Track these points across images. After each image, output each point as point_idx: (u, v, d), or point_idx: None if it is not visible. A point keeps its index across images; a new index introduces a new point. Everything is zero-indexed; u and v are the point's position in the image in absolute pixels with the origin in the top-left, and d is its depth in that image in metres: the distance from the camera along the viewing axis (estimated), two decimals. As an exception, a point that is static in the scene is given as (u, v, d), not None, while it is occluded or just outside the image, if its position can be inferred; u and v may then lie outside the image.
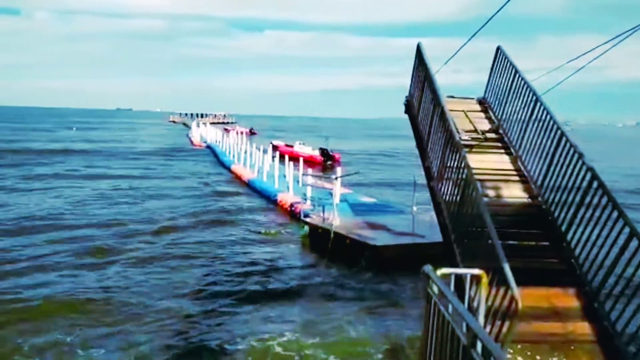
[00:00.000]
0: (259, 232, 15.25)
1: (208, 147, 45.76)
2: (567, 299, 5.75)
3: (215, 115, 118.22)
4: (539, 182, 7.44)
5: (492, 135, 8.78)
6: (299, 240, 13.99)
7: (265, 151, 25.92)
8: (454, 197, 6.80)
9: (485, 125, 9.11)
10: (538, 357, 5.79)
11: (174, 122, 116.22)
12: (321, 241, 12.15)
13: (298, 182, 15.38)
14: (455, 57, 7.95)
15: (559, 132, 7.09)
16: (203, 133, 55.24)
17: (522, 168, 7.96)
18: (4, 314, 8.77)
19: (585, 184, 6.23)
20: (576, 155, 6.55)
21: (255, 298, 9.87)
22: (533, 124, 7.83)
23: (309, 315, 8.98)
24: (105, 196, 20.74)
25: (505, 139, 8.65)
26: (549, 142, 7.28)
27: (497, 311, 4.69)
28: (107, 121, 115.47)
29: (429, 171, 8.29)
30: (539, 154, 7.52)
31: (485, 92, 9.89)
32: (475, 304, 4.72)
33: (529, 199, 7.45)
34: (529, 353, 5.81)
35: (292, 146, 41.59)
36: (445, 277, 3.92)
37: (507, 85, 8.88)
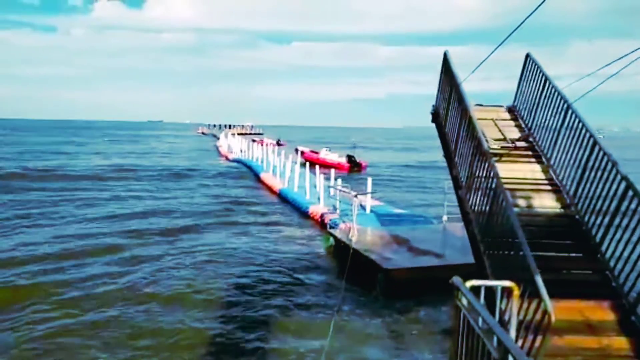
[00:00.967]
0: (288, 242, 15.28)
1: (239, 161, 40.92)
2: (602, 312, 5.57)
3: (243, 126, 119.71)
4: (571, 192, 7.27)
5: (522, 143, 8.62)
6: (323, 252, 13.93)
7: (294, 162, 26.10)
8: (483, 207, 6.69)
9: (515, 133, 8.96)
10: (572, 372, 5.62)
11: (202, 133, 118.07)
12: (343, 255, 12.04)
13: (329, 191, 15.37)
14: (484, 65, 7.86)
15: (591, 140, 6.93)
16: (232, 144, 55.75)
17: (554, 177, 7.79)
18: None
19: (619, 193, 6.06)
20: (610, 164, 6.38)
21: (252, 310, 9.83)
22: (564, 132, 7.67)
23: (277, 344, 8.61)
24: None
25: (536, 147, 8.48)
26: (581, 150, 7.12)
27: (529, 325, 4.57)
28: (139, 134, 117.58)
29: (456, 180, 8.20)
30: (571, 162, 7.35)
31: (515, 99, 9.75)
32: (506, 317, 4.62)
33: (562, 209, 7.27)
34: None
35: (317, 152, 41.74)
36: (475, 289, 3.85)
37: (537, 93, 8.74)
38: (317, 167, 23.72)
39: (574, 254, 6.56)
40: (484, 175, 6.72)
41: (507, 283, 4.33)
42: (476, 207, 7.03)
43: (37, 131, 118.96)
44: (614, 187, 6.18)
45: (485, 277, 5.99)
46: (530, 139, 8.71)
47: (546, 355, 4.56)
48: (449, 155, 8.78)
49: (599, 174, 6.55)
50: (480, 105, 9.83)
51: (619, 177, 6.13)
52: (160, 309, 9.71)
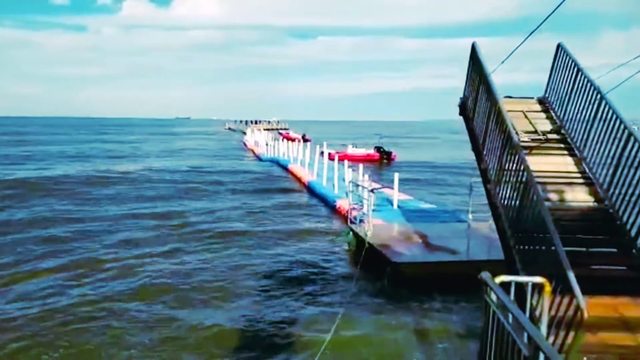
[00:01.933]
0: (312, 235, 15.39)
1: (273, 161, 36.82)
2: (637, 308, 5.42)
3: (269, 122, 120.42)
4: (605, 185, 7.08)
5: (554, 136, 8.44)
6: (345, 247, 13.98)
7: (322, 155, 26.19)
8: (513, 201, 6.58)
9: (546, 125, 8.78)
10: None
11: (229, 129, 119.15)
12: (360, 250, 12.10)
13: (357, 186, 15.45)
14: (513, 56, 7.70)
15: (626, 131, 6.74)
16: (259, 140, 55.99)
17: (587, 170, 7.60)
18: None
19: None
20: (646, 157, 6.20)
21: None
22: (598, 124, 7.49)
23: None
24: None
25: (568, 139, 8.29)
26: (615, 142, 6.94)
27: (561, 321, 4.47)
28: (171, 131, 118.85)
29: (485, 174, 8.08)
30: (605, 155, 7.17)
31: (546, 91, 9.54)
32: (537, 313, 4.53)
33: (595, 203, 7.10)
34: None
35: (342, 152, 41.38)
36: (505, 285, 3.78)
37: (569, 84, 8.54)
38: (345, 161, 23.69)
39: (607, 249, 6.40)
40: (514, 168, 6.60)
41: (538, 279, 4.25)
42: (506, 201, 6.91)
43: (74, 129, 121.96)
44: None
45: (515, 273, 5.90)
46: (563, 131, 8.52)
47: (579, 352, 4.46)
48: (477, 148, 8.65)
49: (634, 166, 6.37)
50: (510, 97, 9.65)
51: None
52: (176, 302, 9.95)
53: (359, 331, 8.50)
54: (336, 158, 25.69)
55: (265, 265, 12.29)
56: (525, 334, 2.81)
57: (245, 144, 59.95)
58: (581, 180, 7.49)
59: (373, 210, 14.20)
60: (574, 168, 7.76)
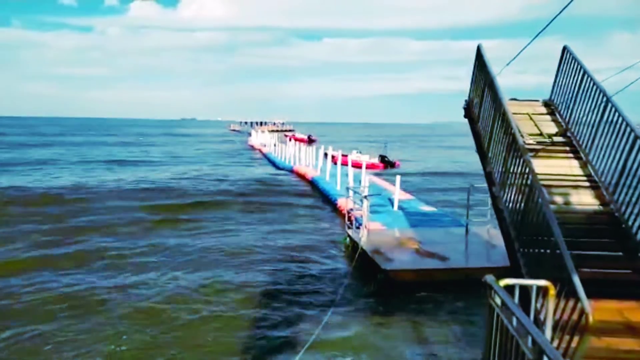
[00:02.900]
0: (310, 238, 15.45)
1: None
2: None
3: (275, 123, 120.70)
4: (611, 189, 7.04)
5: (560, 139, 8.40)
6: (341, 249, 14.00)
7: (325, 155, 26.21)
8: (518, 204, 6.55)
9: (551, 128, 8.74)
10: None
11: (234, 130, 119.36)
12: (355, 253, 12.12)
13: (355, 192, 15.53)
14: (519, 59, 7.68)
15: (632, 135, 6.70)
16: (263, 141, 55.96)
17: (593, 173, 7.56)
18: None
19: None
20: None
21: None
22: (604, 127, 7.44)
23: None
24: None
25: (574, 142, 8.25)
26: (621, 145, 6.90)
27: (566, 325, 4.44)
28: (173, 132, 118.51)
29: (490, 177, 8.04)
30: (611, 158, 7.13)
31: (552, 93, 9.51)
32: (541, 317, 4.50)
33: (601, 206, 7.05)
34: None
35: (346, 155, 41.06)
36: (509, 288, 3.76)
37: (574, 86, 8.50)
38: (349, 165, 23.77)
39: (613, 253, 6.36)
40: (519, 171, 6.57)
41: (542, 282, 4.21)
42: (510, 204, 6.88)
43: (81, 130, 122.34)
44: None
45: (519, 276, 5.86)
46: (568, 134, 8.48)
47: (584, 357, 4.43)
48: (482, 151, 8.62)
49: None
50: (515, 99, 9.62)
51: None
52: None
53: (345, 332, 8.53)
54: (339, 160, 25.71)
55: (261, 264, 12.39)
56: (530, 338, 2.79)
57: (252, 147, 60.10)
58: (587, 184, 7.44)
59: (372, 212, 14.17)
60: (579, 171, 7.72)
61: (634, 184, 6.47)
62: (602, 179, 7.32)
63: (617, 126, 7.06)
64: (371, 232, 12.98)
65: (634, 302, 5.48)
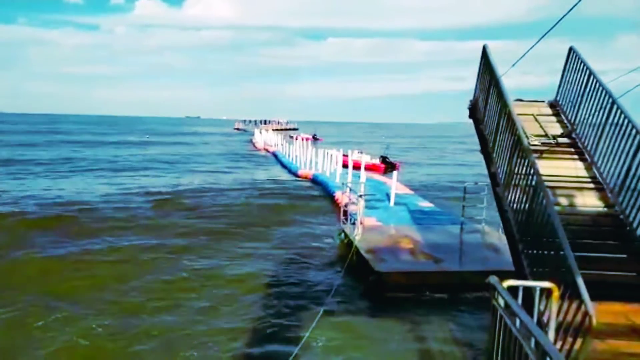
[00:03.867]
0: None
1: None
2: None
3: (279, 122, 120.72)
4: (615, 190, 7.01)
5: (565, 140, 8.37)
6: (335, 246, 14.02)
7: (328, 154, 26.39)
8: (522, 205, 6.52)
9: (556, 129, 8.70)
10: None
11: (238, 129, 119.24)
12: (349, 250, 12.09)
13: (350, 190, 15.68)
14: (524, 60, 7.65)
15: (638, 136, 6.67)
16: (267, 140, 55.79)
17: (598, 175, 7.53)
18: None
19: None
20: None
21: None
22: (609, 128, 7.41)
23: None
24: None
25: (579, 144, 8.22)
26: (627, 147, 6.86)
27: (569, 327, 4.42)
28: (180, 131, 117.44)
29: (494, 177, 8.02)
30: (616, 160, 7.09)
31: (557, 94, 9.47)
32: (544, 319, 4.48)
33: (605, 208, 7.02)
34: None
35: (347, 155, 40.88)
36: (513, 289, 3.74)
37: (580, 88, 8.46)
38: (349, 164, 23.81)
39: (617, 255, 6.33)
40: (524, 172, 6.54)
41: (546, 284, 4.20)
42: (515, 205, 6.85)
43: (93, 126, 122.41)
44: None
45: (523, 278, 5.85)
46: (573, 135, 8.45)
47: (586, 359, 4.41)
48: (486, 151, 8.59)
49: None
50: (520, 100, 9.58)
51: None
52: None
53: (337, 332, 8.55)
54: (339, 160, 25.78)
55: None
56: (533, 340, 2.78)
57: (254, 145, 60.15)
58: (591, 185, 7.41)
59: (369, 207, 14.19)
60: (584, 173, 7.68)
61: (639, 186, 6.44)
62: (607, 180, 7.29)
63: (623, 128, 7.03)
64: (366, 228, 12.97)
65: (638, 304, 5.45)
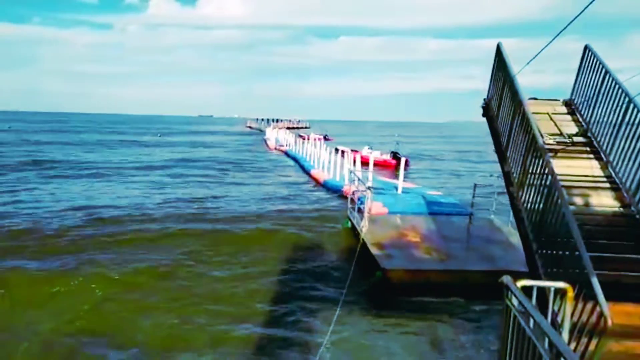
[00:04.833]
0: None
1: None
2: None
3: (290, 121, 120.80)
4: (632, 190, 6.92)
5: (580, 139, 8.28)
6: (340, 233, 14.09)
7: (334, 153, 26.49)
8: (537, 205, 6.47)
9: (572, 128, 8.61)
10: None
11: (250, 127, 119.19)
12: (355, 240, 12.02)
13: (358, 179, 16.08)
14: (540, 59, 7.57)
15: (655, 136, 6.58)
16: (280, 139, 55.65)
17: (614, 175, 7.44)
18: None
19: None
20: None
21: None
22: (625, 127, 7.31)
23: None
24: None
25: (595, 143, 8.12)
26: None
27: (584, 328, 4.38)
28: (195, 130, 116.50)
29: (508, 177, 7.96)
30: (633, 159, 7.00)
31: (572, 93, 9.37)
32: (559, 319, 4.44)
33: (621, 208, 6.93)
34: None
35: (358, 152, 40.65)
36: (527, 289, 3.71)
37: (596, 86, 8.37)
38: (357, 161, 23.83)
39: (633, 256, 6.25)
40: (538, 171, 6.49)
41: (560, 284, 4.17)
42: (529, 205, 6.80)
43: (107, 125, 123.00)
44: None
45: (538, 278, 5.80)
46: (589, 134, 8.36)
47: (601, 360, 4.36)
48: (500, 150, 8.53)
49: None
50: (535, 98, 9.50)
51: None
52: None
53: (350, 332, 8.52)
54: (346, 156, 25.76)
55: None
56: (547, 340, 2.76)
57: (266, 143, 60.26)
58: (607, 185, 7.33)
59: (375, 193, 14.19)
60: (599, 172, 7.59)
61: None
62: (623, 180, 7.20)
63: (639, 127, 6.94)
64: (372, 218, 12.89)
65: None
